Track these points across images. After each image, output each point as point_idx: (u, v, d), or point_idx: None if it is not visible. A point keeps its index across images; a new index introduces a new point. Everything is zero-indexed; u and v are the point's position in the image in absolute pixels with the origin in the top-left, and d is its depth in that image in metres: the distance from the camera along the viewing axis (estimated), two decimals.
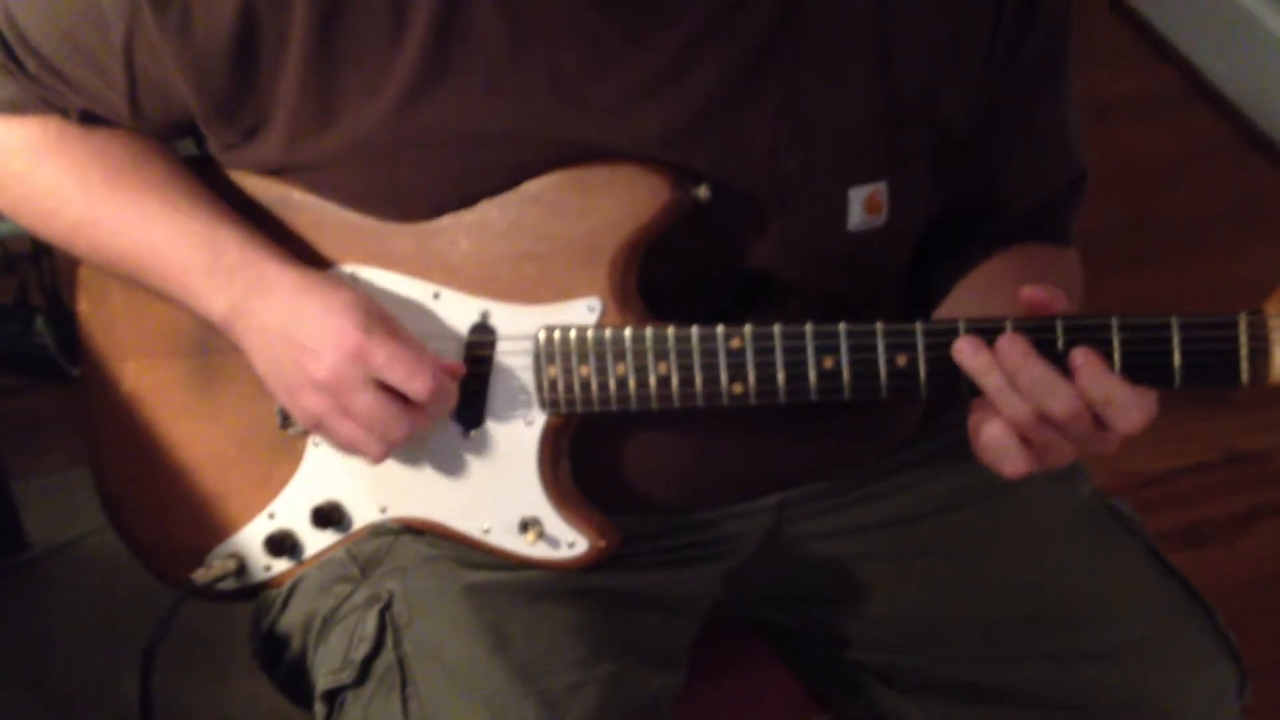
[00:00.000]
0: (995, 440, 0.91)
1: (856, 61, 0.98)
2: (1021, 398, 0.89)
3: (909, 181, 1.02)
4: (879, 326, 0.93)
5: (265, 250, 1.00)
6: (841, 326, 0.93)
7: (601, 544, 1.01)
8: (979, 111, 1.03)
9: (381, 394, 0.95)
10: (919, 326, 0.92)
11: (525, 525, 1.01)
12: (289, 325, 0.97)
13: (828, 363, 0.94)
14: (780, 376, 0.95)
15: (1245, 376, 0.88)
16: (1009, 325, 0.90)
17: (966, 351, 0.90)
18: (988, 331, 0.91)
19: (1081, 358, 0.89)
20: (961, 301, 1.06)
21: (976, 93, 1.02)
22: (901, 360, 0.92)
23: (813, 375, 0.94)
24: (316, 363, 0.95)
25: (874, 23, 0.98)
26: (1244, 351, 0.88)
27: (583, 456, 1.03)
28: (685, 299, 0.99)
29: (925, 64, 0.99)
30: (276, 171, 1.02)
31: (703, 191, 0.97)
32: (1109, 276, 2.31)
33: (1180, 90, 2.49)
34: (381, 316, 0.97)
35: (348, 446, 0.98)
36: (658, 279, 0.99)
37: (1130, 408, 0.88)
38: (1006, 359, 0.89)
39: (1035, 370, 0.89)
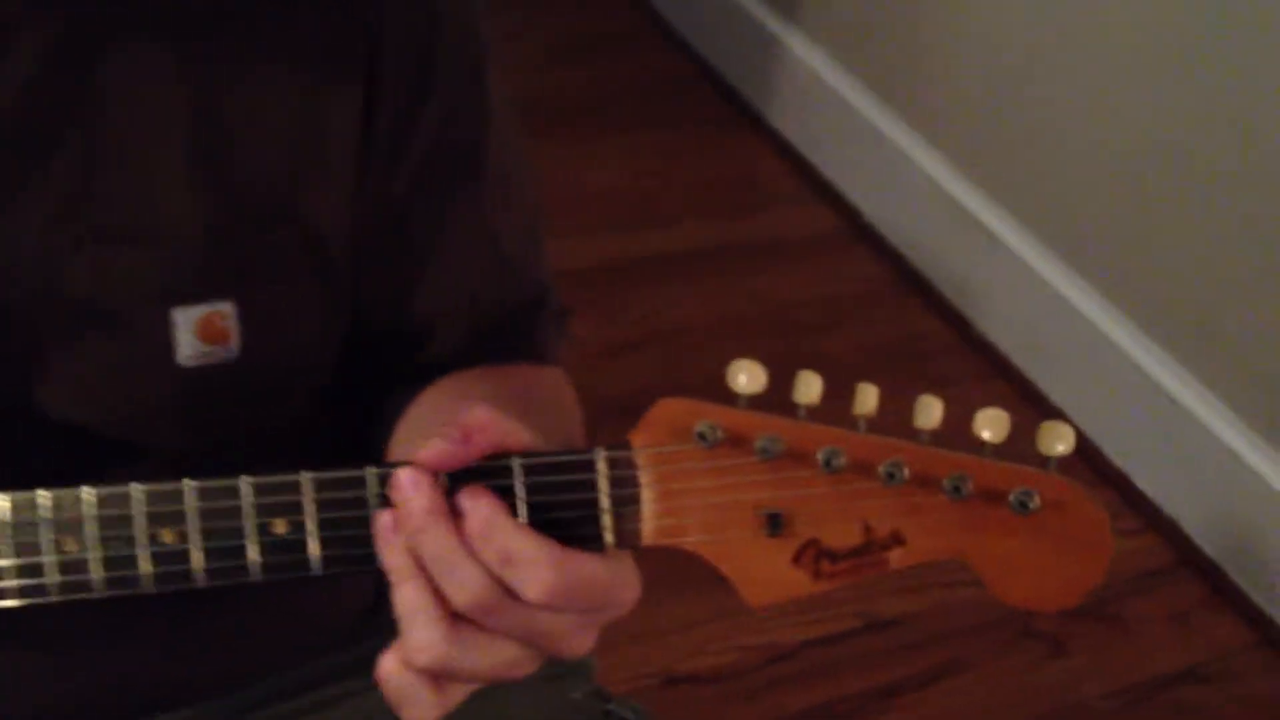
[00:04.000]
0: (391, 678, 0.65)
1: (175, 156, 0.75)
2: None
3: (275, 300, 0.78)
4: (244, 482, 0.67)
5: None
6: (186, 484, 0.68)
7: None
8: (366, 214, 0.80)
9: None
10: (306, 477, 0.67)
11: None
12: None
13: (168, 536, 0.68)
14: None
15: (611, 536, 0.66)
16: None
17: (385, 529, 0.65)
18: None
19: (470, 500, 0.65)
20: (409, 439, 0.81)
21: (355, 191, 0.79)
22: (281, 527, 0.68)
23: (144, 562, 0.67)
24: None
25: (197, 111, 0.75)
26: (605, 503, 0.65)
27: None
28: None
29: (275, 157, 0.77)
30: None
31: None
32: None
33: (839, 232, 2.39)
34: None
35: None
36: None
37: (536, 565, 0.63)
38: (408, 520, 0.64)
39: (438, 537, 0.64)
